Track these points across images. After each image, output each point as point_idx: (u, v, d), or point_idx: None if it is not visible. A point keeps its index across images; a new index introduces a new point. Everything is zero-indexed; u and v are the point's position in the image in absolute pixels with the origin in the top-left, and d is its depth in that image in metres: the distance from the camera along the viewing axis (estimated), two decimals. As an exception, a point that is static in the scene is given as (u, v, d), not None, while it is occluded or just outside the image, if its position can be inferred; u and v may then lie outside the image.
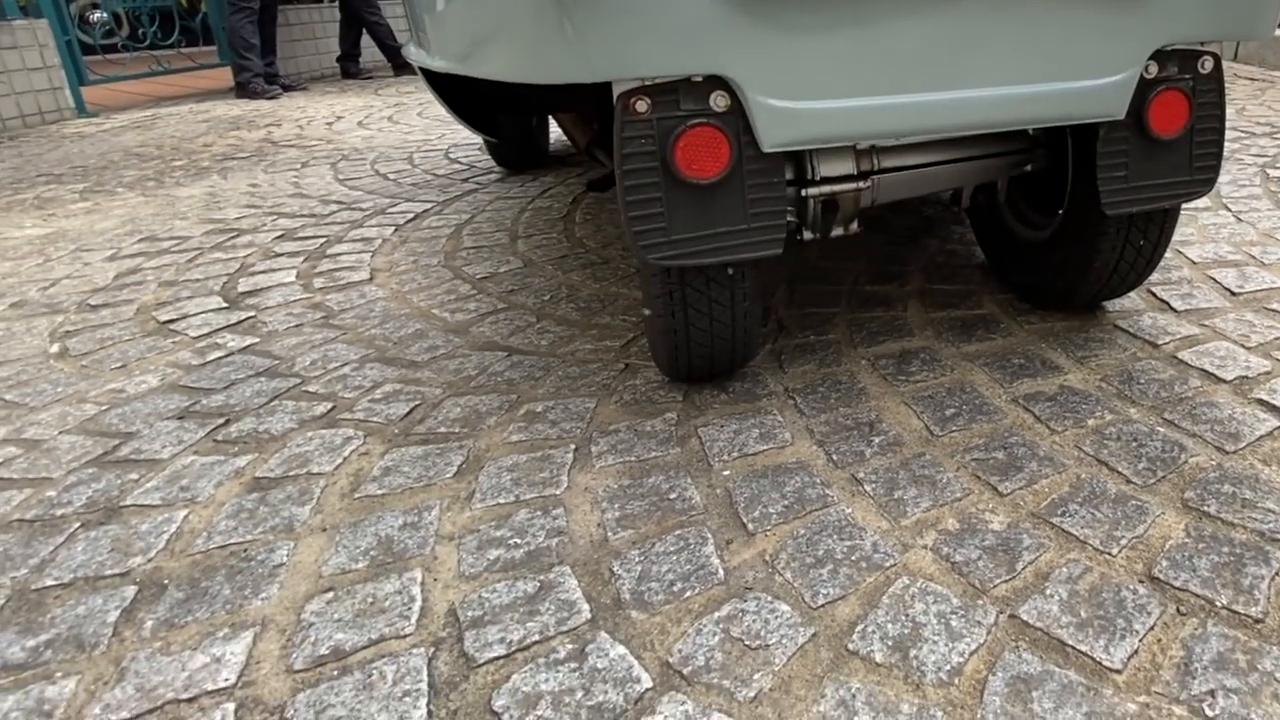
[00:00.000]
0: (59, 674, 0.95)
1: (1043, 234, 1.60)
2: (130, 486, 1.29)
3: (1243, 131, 3.23)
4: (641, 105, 1.09)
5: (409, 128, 4.27)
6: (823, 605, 0.95)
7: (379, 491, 1.20)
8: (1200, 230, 2.16)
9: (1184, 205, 2.15)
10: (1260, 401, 1.40)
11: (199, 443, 1.39)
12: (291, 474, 1.27)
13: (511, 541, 1.08)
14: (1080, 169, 1.45)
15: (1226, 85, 2.64)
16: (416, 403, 1.44)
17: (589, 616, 0.96)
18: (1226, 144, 2.85)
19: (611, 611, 0.97)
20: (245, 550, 1.11)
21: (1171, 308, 1.73)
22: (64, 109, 4.90)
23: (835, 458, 1.24)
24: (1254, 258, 1.97)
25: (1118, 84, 1.22)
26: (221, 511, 1.20)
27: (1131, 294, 1.79)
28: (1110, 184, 1.32)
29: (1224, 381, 1.47)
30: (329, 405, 1.46)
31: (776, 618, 0.94)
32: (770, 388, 1.45)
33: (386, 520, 1.14)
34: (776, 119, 1.12)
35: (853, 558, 1.03)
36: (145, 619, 1.02)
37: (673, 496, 1.14)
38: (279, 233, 2.49)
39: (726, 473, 1.19)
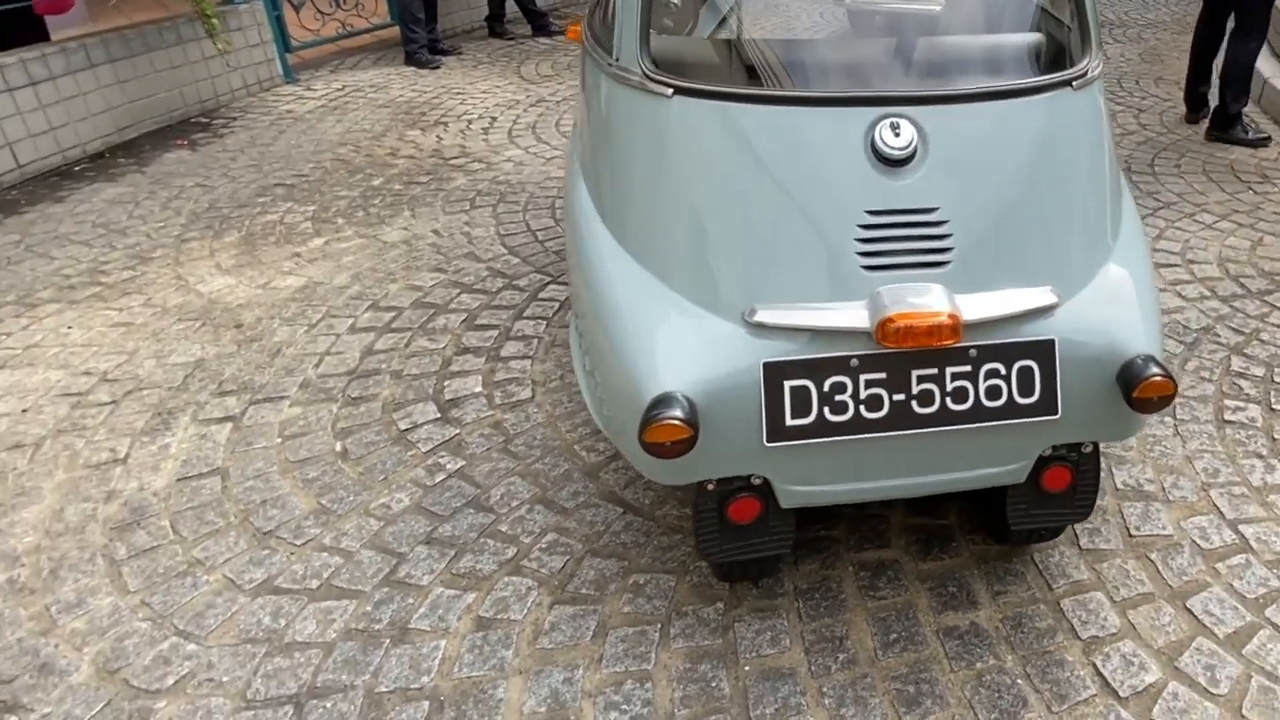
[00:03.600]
0: None
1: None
2: (411, 610, 2.00)
3: (1238, 286, 3.22)
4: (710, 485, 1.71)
5: (550, 150, 4.79)
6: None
7: (549, 645, 1.89)
8: (1141, 441, 2.42)
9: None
10: (1093, 666, 1.81)
11: (442, 573, 2.09)
12: (499, 617, 1.96)
13: (621, 704, 1.76)
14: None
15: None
16: (567, 557, 2.11)
17: None
18: (1209, 309, 3.05)
19: None
20: (479, 683, 1.81)
21: (1078, 543, 2.10)
22: (275, 77, 5.49)
23: (813, 668, 1.81)
24: (1164, 490, 2.25)
25: (1021, 466, 1.72)
26: (464, 644, 1.90)
27: None
28: (1014, 512, 1.84)
29: (1079, 639, 1.86)
30: (514, 550, 2.14)
31: None
32: (785, 586, 2.00)
33: (555, 674, 1.83)
34: (789, 495, 1.69)
35: None
36: None
37: (714, 684, 1.80)
38: (464, 315, 3.15)
39: (747, 668, 1.83)
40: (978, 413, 1.61)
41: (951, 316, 1.51)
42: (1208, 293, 3.18)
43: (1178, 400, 2.55)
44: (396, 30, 6.66)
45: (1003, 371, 1.60)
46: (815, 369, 1.56)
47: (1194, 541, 2.09)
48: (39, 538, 2.30)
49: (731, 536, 1.76)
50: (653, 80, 1.77)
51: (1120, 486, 2.28)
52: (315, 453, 2.53)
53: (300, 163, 4.65)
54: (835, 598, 1.97)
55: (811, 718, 1.72)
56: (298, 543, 2.23)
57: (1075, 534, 2.12)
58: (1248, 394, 2.60)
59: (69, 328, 3.27)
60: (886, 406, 1.59)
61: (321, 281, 3.44)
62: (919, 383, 1.59)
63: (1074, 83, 1.80)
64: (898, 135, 1.62)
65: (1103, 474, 2.27)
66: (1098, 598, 1.97)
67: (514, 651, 1.90)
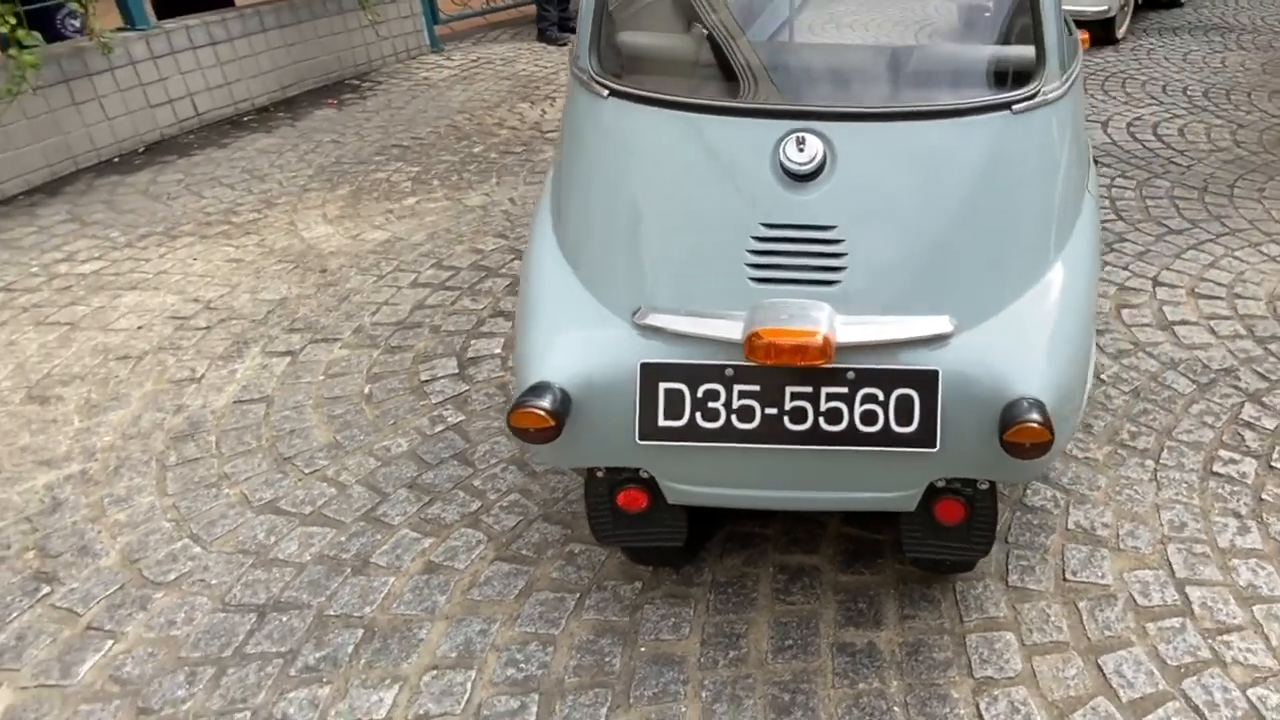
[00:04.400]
0: (325, 680, 1.75)
1: None
2: (376, 545, 2.07)
3: (1248, 339, 2.89)
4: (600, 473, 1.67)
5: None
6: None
7: (478, 598, 1.93)
8: (1112, 482, 2.17)
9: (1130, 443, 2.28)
10: (976, 707, 1.65)
11: (412, 516, 2.15)
12: (445, 564, 2.01)
13: (520, 662, 1.78)
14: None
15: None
16: (521, 518, 2.13)
17: None
18: (1239, 349, 2.67)
19: None
20: (409, 621, 1.87)
21: (1006, 579, 1.91)
22: (422, 46, 5.67)
23: (703, 660, 1.76)
24: (1117, 537, 2.01)
25: (907, 495, 1.59)
26: (409, 584, 1.96)
27: (995, 553, 1.94)
28: (908, 540, 1.71)
29: (972, 678, 1.70)
30: (479, 504, 2.18)
31: None
32: (704, 577, 1.94)
33: (474, 625, 1.86)
34: (674, 491, 1.63)
35: None
36: (360, 655, 1.80)
37: (608, 659, 1.78)
38: (509, 280, 3.16)
39: (643, 649, 1.79)
40: (851, 436, 1.49)
41: (823, 338, 1.41)
42: (1243, 331, 2.81)
43: (1166, 444, 2.29)
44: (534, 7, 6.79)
45: (880, 398, 1.47)
46: (690, 374, 1.49)
47: (1131, 596, 1.87)
48: (115, 438, 2.51)
49: (624, 524, 1.71)
50: (596, 81, 1.73)
51: (1071, 527, 2.05)
52: (346, 392, 2.64)
53: (420, 127, 4.79)
54: (747, 595, 1.90)
55: (685, 707, 1.68)
56: (306, 471, 2.35)
57: (1006, 569, 1.94)
58: (1248, 446, 2.29)
59: (194, 259, 3.52)
60: (758, 419, 1.50)
61: (402, 237, 3.56)
62: (792, 399, 1.49)
63: (1014, 106, 1.62)
64: (801, 150, 1.51)
65: (1056, 511, 2.08)
66: (1007, 638, 1.79)
67: (447, 598, 1.95)
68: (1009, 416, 1.41)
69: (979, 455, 1.49)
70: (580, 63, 1.79)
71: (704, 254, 1.55)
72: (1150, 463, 2.22)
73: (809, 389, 1.48)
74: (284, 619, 1.91)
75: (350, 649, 1.83)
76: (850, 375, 1.48)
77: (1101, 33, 6.08)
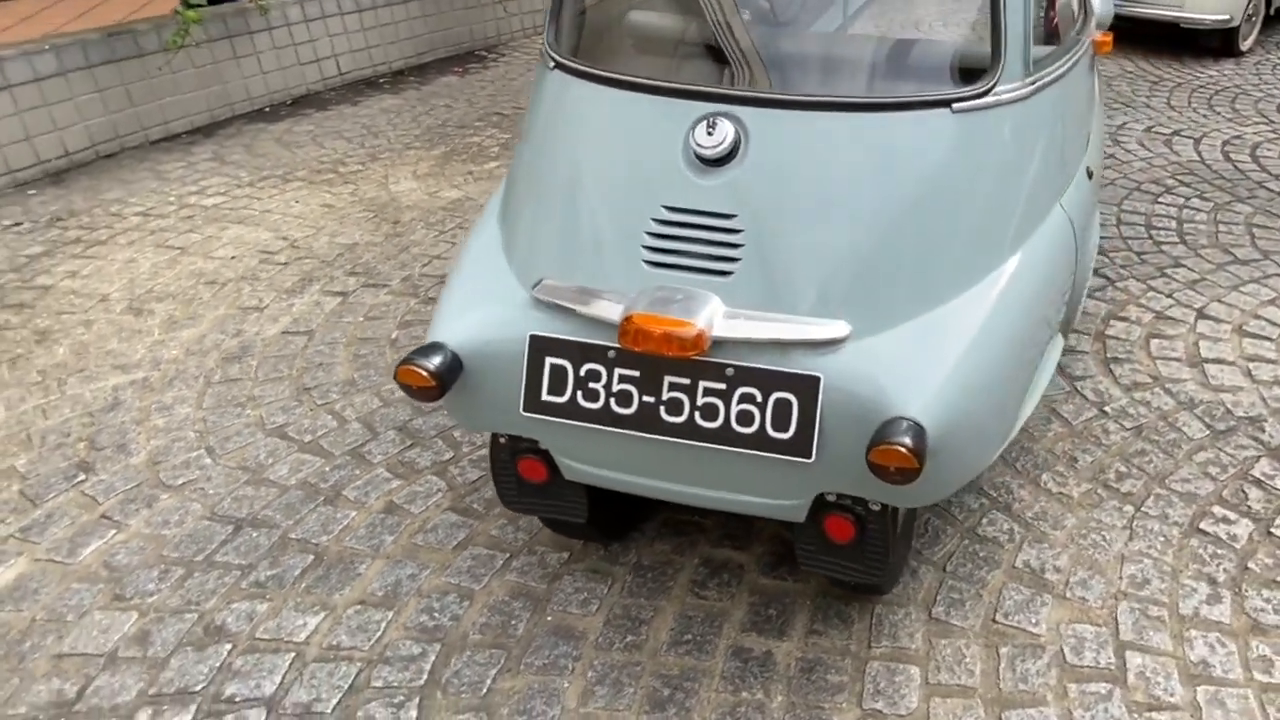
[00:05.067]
0: (267, 597, 1.73)
1: None
2: (351, 480, 2.04)
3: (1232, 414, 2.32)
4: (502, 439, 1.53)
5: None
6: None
7: (420, 543, 1.85)
8: (1080, 523, 1.81)
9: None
10: None
11: (391, 457, 2.10)
12: (403, 506, 1.95)
13: (435, 611, 1.69)
14: None
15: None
16: (483, 474, 2.04)
17: (423, 681, 1.56)
18: (1275, 397, 2.30)
19: (431, 686, 1.54)
20: (354, 555, 1.82)
21: (930, 610, 1.65)
22: (550, 24, 5.56)
23: (600, 640, 1.61)
24: (1066, 584, 1.69)
25: (794, 504, 1.40)
26: (366, 520, 1.92)
27: (928, 580, 1.70)
28: (801, 552, 1.50)
29: (859, 708, 1.48)
30: (452, 454, 2.10)
31: None
32: (630, 557, 1.79)
33: (408, 568, 1.79)
34: (568, 468, 1.49)
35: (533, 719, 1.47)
36: (303, 580, 1.77)
37: (513, 623, 1.66)
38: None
39: (549, 619, 1.67)
40: (726, 435, 1.31)
41: (698, 330, 1.23)
42: (1287, 383, 2.38)
43: (1155, 490, 1.92)
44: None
45: (758, 399, 1.28)
46: (575, 352, 1.34)
47: (1062, 651, 1.57)
48: (180, 353, 2.59)
49: (527, 493, 1.57)
50: (548, 53, 1.58)
51: (1018, 565, 1.75)
52: (376, 335, 2.61)
53: (523, 97, 4.68)
54: (664, 583, 1.73)
55: (568, 683, 1.54)
56: (319, 403, 2.33)
57: (934, 599, 1.68)
58: (1249, 506, 1.89)
59: (296, 202, 3.59)
60: (635, 405, 1.33)
61: (472, 198, 3.49)
62: (669, 389, 1.31)
63: (954, 105, 1.36)
64: (710, 134, 1.33)
65: (1008, 546, 1.78)
66: (911, 672, 1.55)
67: (394, 539, 1.88)
68: (878, 435, 1.20)
69: (858, 472, 1.26)
70: (546, 37, 1.64)
71: (605, 231, 1.39)
72: (1130, 509, 1.88)
73: (687, 381, 1.30)
74: (254, 535, 1.90)
75: (297, 572, 1.80)
76: (729, 372, 1.29)
77: (1222, 44, 5.28)
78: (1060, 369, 2.35)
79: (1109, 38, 2.23)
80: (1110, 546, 1.78)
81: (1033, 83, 1.51)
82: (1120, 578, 1.71)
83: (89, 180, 3.84)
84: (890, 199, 1.36)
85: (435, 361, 1.34)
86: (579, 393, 1.35)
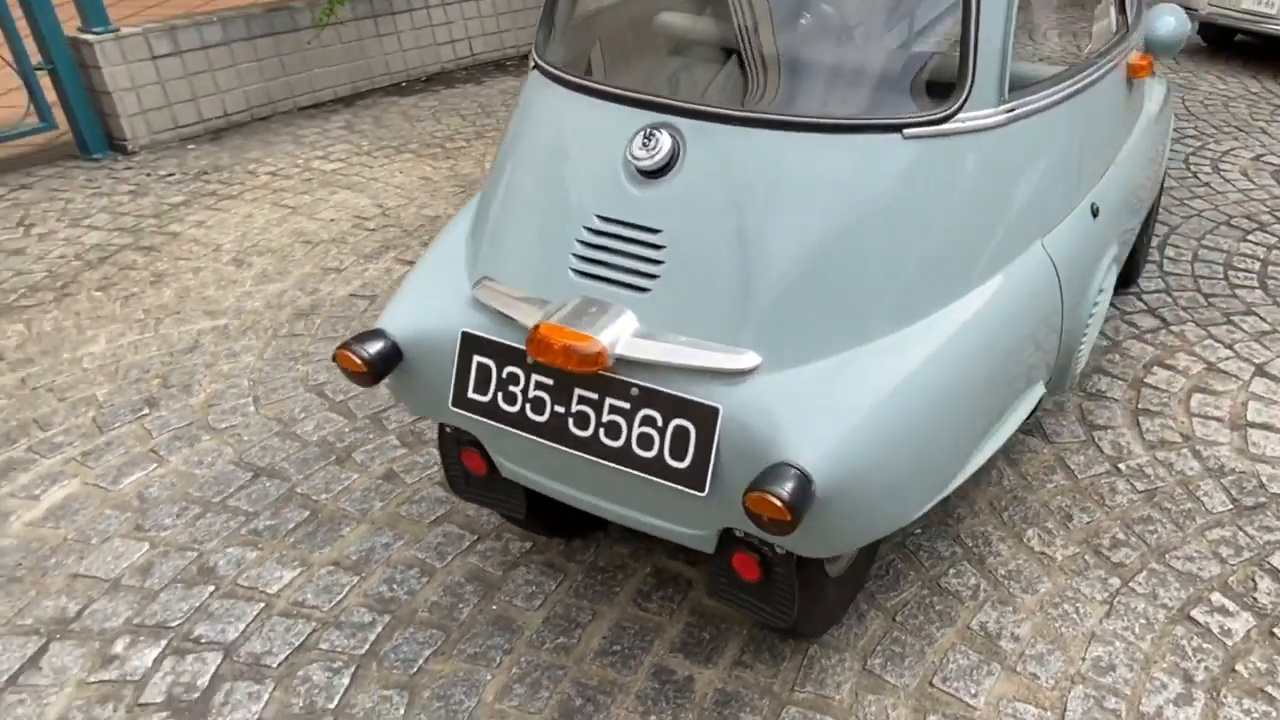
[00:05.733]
0: (260, 546, 1.72)
1: None
2: (363, 443, 2.01)
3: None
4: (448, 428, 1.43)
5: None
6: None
7: (403, 514, 1.80)
8: (1056, 590, 1.53)
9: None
10: None
11: (404, 426, 2.04)
12: (400, 475, 1.90)
13: (396, 582, 1.63)
14: None
15: None
16: (479, 456, 1.95)
17: (364, 651, 1.50)
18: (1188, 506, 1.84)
19: (369, 657, 1.48)
20: (344, 517, 1.79)
21: (867, 662, 1.43)
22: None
23: (534, 637, 1.50)
24: (1020, 656, 1.44)
25: (703, 535, 1.25)
26: (364, 484, 1.88)
27: (873, 627, 1.49)
28: (714, 582, 1.34)
29: None
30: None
31: (388, 706, 1.39)
32: (587, 558, 1.66)
33: (384, 536, 1.74)
34: (502, 465, 1.39)
35: (449, 707, 1.38)
36: (294, 534, 1.75)
37: (460, 606, 1.58)
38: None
39: (494, 608, 1.57)
40: (626, 456, 1.16)
41: (600, 347, 1.10)
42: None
43: (1151, 565, 1.60)
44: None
45: (659, 423, 1.13)
46: (498, 353, 1.23)
47: None
48: (261, 305, 2.64)
49: (472, 483, 1.47)
50: (532, 55, 1.45)
51: (972, 626, 1.50)
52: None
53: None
54: (611, 588, 1.59)
55: (491, 675, 1.44)
56: (359, 367, 2.33)
57: (874, 649, 1.47)
58: (1254, 599, 1.54)
59: (400, 172, 3.59)
60: (547, 413, 1.21)
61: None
62: (578, 402, 1.18)
63: (905, 130, 1.15)
64: (645, 146, 1.18)
65: (969, 603, 1.53)
66: None
67: (382, 506, 1.82)
68: (758, 480, 1.03)
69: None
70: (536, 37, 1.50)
71: (542, 236, 1.27)
72: (1116, 581, 1.58)
73: (595, 396, 1.17)
74: (267, 485, 1.90)
75: (291, 525, 1.78)
76: (634, 392, 1.14)
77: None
78: (1080, 415, 2.03)
79: (1147, 60, 1.83)
80: (1082, 621, 1.50)
81: (1010, 110, 1.25)
82: (1083, 658, 1.44)
83: (240, 140, 3.99)
84: (821, 226, 1.16)
85: (371, 348, 1.27)
86: (500, 394, 1.24)
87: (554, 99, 1.36)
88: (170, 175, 3.63)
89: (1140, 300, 2.51)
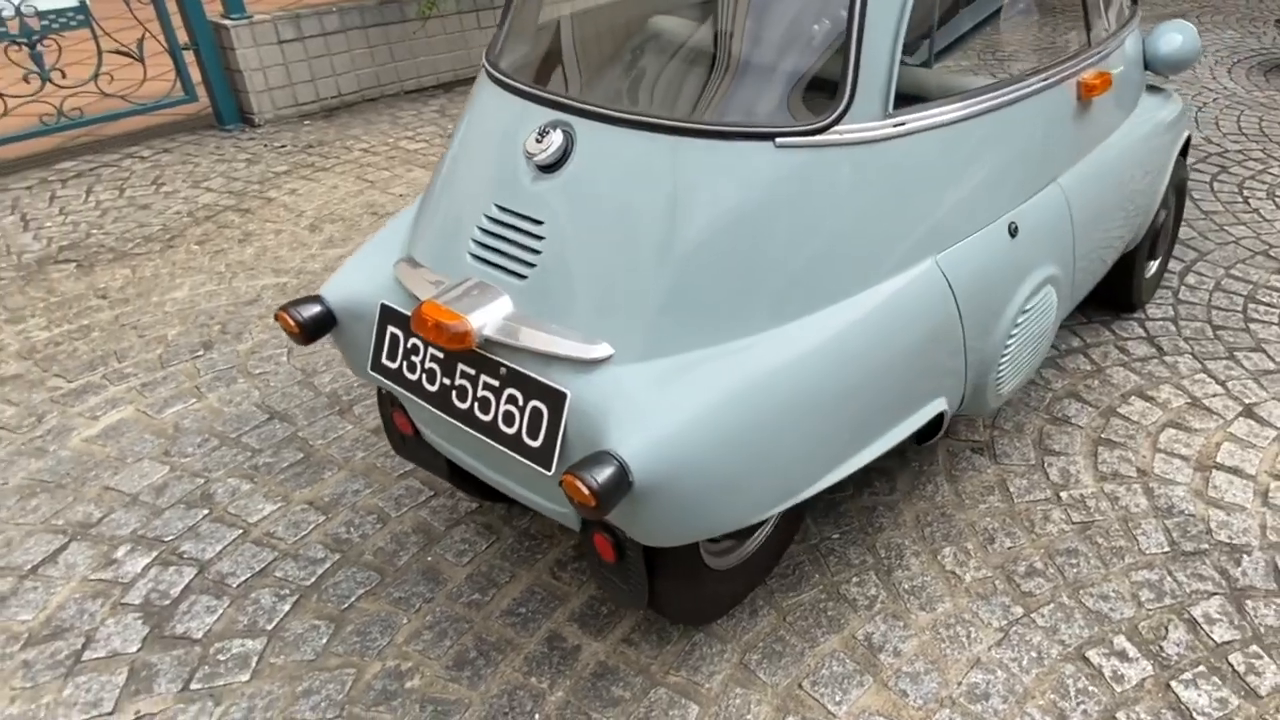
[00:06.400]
0: (254, 480, 1.81)
1: None
2: (368, 397, 2.05)
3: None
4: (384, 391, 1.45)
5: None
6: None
7: (380, 465, 1.83)
8: (954, 610, 1.38)
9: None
10: None
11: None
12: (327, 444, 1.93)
13: (354, 525, 1.67)
14: None
15: None
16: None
17: (310, 583, 1.56)
18: (1239, 531, 1.62)
19: (312, 590, 1.52)
20: (330, 462, 1.84)
21: (744, 658, 1.34)
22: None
23: (454, 590, 1.50)
24: (895, 673, 1.30)
25: (566, 513, 1.21)
26: (356, 435, 1.93)
27: (763, 623, 1.40)
28: (588, 558, 1.32)
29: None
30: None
31: (315, 634, 1.43)
32: (522, 523, 1.63)
33: (358, 483, 1.78)
34: (422, 429, 1.39)
35: (364, 643, 1.41)
36: (285, 473, 1.82)
37: (399, 555, 1.59)
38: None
39: (430, 559, 1.58)
40: (493, 431, 1.16)
41: (467, 327, 1.10)
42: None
43: (1061, 599, 1.41)
44: None
45: (520, 402, 1.12)
46: (404, 326, 1.26)
47: None
48: (320, 267, 2.74)
49: (407, 444, 1.49)
50: (484, 54, 1.44)
51: (857, 636, 1.38)
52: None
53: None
54: (534, 554, 1.57)
55: (407, 620, 1.46)
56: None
57: (754, 646, 1.38)
58: (1160, 648, 1.33)
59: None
60: (436, 384, 1.22)
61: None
62: (460, 376, 1.19)
63: (778, 139, 1.07)
64: (539, 141, 1.16)
65: (861, 613, 1.41)
66: (690, 710, 1.29)
67: (364, 456, 1.86)
68: (577, 464, 0.99)
69: None
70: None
71: (452, 222, 1.27)
72: (1019, 610, 1.42)
73: (473, 372, 1.17)
74: (276, 427, 1.99)
75: (285, 465, 1.86)
76: (502, 371, 1.14)
77: None
78: (1039, 438, 1.83)
79: (1102, 79, 1.56)
80: (969, 646, 1.36)
81: (899, 124, 1.13)
82: (959, 683, 1.31)
83: (347, 118, 4.15)
84: (686, 228, 1.10)
85: (306, 312, 1.32)
86: (404, 363, 1.27)
87: (486, 96, 1.36)
88: (282, 146, 3.81)
89: (1141, 327, 2.22)
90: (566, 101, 1.21)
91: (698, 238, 1.10)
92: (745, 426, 1.05)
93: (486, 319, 1.13)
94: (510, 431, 1.14)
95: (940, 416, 1.33)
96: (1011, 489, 1.69)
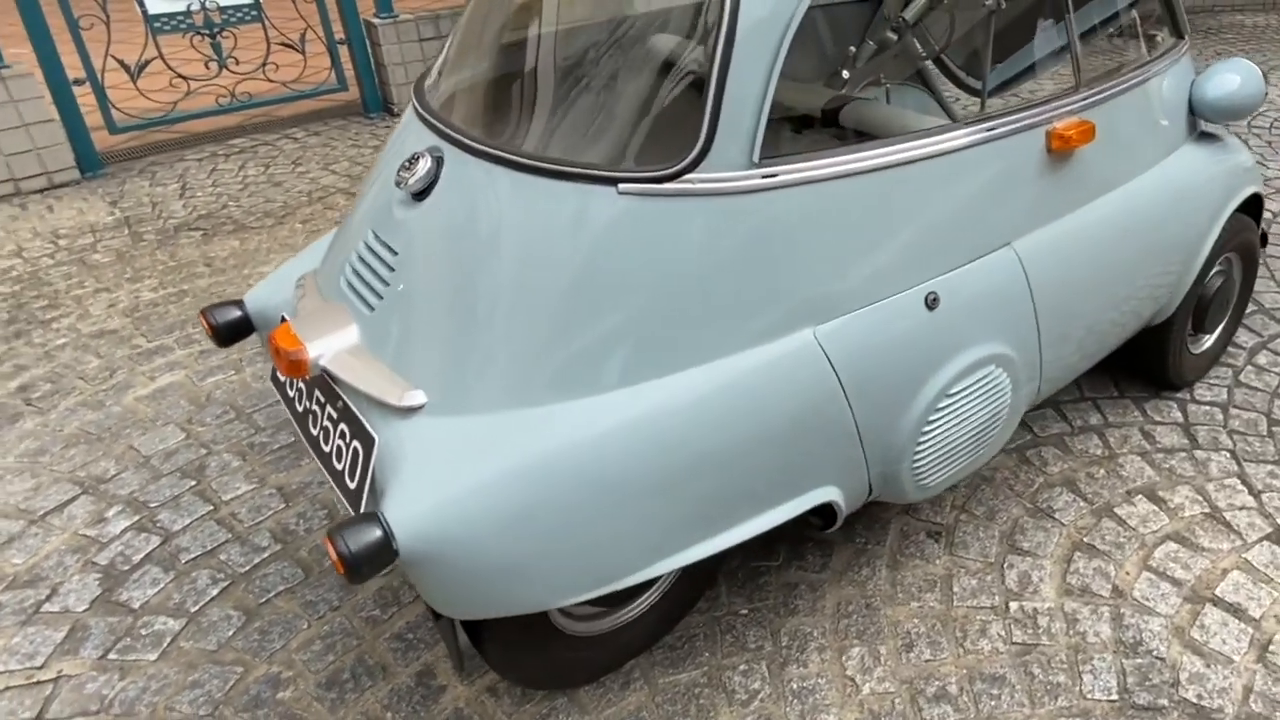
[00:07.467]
0: (246, 457, 1.74)
1: None
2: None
3: None
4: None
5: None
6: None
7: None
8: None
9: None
10: None
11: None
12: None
13: (305, 518, 1.55)
14: None
15: None
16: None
17: (244, 571, 1.46)
18: (1217, 697, 1.11)
19: (242, 579, 1.41)
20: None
21: (653, 676, 1.08)
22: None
23: (360, 602, 1.35)
24: None
25: None
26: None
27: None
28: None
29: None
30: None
31: (226, 624, 1.31)
32: None
33: (322, 477, 1.66)
34: None
35: (263, 643, 1.28)
36: (274, 453, 1.74)
37: (328, 559, 1.45)
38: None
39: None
40: (327, 462, 1.00)
41: (301, 357, 0.95)
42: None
43: None
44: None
45: (347, 439, 0.95)
46: None
47: None
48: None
49: None
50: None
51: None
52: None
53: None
54: None
55: (307, 625, 1.31)
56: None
57: (658, 659, 1.14)
58: None
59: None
60: (302, 405, 1.07)
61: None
62: (314, 402, 1.03)
63: (620, 185, 0.84)
64: (408, 169, 0.98)
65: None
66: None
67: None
68: (342, 522, 0.80)
69: None
70: None
71: (342, 243, 1.11)
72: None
73: (322, 400, 1.01)
74: (283, 409, 1.91)
75: (276, 447, 1.74)
76: (340, 404, 0.97)
77: None
78: (1010, 530, 1.40)
79: (1081, 130, 1.09)
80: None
81: (769, 175, 0.85)
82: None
83: (453, 115, 4.07)
84: (515, 272, 0.88)
85: (222, 316, 1.22)
86: (288, 380, 1.12)
87: (405, 118, 1.19)
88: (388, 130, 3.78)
89: (1180, 410, 1.67)
90: (441, 127, 1.03)
91: (526, 285, 0.87)
92: (537, 504, 0.81)
93: (325, 349, 0.96)
94: (339, 467, 0.97)
95: (829, 506, 1.02)
96: (955, 588, 1.29)
